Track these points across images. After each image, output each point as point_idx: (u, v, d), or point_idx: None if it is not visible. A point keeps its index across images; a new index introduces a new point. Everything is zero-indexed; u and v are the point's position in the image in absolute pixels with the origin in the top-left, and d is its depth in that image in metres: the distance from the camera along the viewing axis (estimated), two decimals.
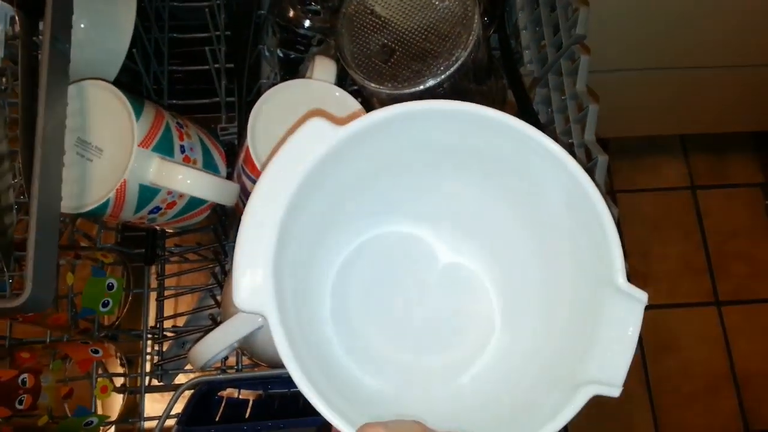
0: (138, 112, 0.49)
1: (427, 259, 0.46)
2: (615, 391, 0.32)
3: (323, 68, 0.55)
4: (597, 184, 0.34)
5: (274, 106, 0.52)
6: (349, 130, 0.35)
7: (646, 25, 0.90)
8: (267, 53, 0.66)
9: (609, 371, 0.32)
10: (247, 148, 0.49)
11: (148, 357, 0.59)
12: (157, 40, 0.71)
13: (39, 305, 0.42)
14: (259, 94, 0.68)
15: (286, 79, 0.68)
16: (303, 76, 0.63)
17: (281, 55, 0.67)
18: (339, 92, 0.54)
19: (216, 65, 0.67)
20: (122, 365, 0.56)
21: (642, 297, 0.34)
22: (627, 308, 0.34)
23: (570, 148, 0.52)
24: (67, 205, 0.47)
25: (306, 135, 0.35)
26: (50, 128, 0.45)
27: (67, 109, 0.49)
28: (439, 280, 0.46)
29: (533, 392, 0.37)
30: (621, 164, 1.44)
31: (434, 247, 0.47)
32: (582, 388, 0.32)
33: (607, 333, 0.34)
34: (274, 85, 0.67)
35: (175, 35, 0.72)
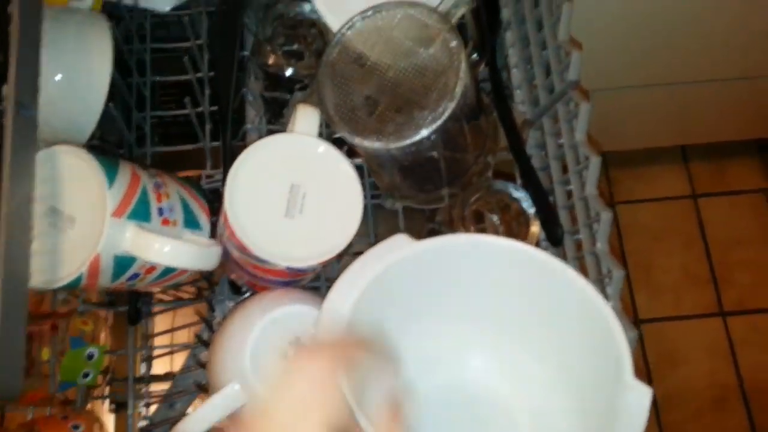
0: (112, 178, 0.47)
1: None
2: None
3: (306, 119, 0.52)
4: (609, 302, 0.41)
5: (252, 168, 0.49)
6: (423, 245, 0.45)
7: (642, 43, 0.88)
8: (251, 97, 0.64)
9: None
10: (226, 214, 0.47)
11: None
12: (138, 85, 0.68)
13: (5, 393, 0.40)
14: (244, 139, 0.66)
15: (272, 123, 0.66)
16: (288, 120, 0.61)
17: (266, 98, 0.65)
18: (323, 147, 0.51)
19: (199, 109, 0.65)
20: None
21: (647, 391, 0.39)
22: (636, 396, 0.39)
23: (568, 199, 0.50)
24: (38, 279, 0.45)
25: (391, 243, 0.45)
26: (16, 203, 0.43)
27: (38, 177, 0.47)
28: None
29: None
30: (621, 175, 1.42)
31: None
32: None
33: (621, 413, 0.39)
34: (259, 129, 0.65)
35: (157, 79, 0.70)
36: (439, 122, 0.47)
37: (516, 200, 0.54)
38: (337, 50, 0.51)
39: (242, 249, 0.47)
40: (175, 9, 0.71)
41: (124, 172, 0.49)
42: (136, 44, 0.70)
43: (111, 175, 0.47)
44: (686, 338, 1.34)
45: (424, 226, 0.63)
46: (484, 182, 0.56)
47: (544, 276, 0.44)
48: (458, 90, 0.47)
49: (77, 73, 0.57)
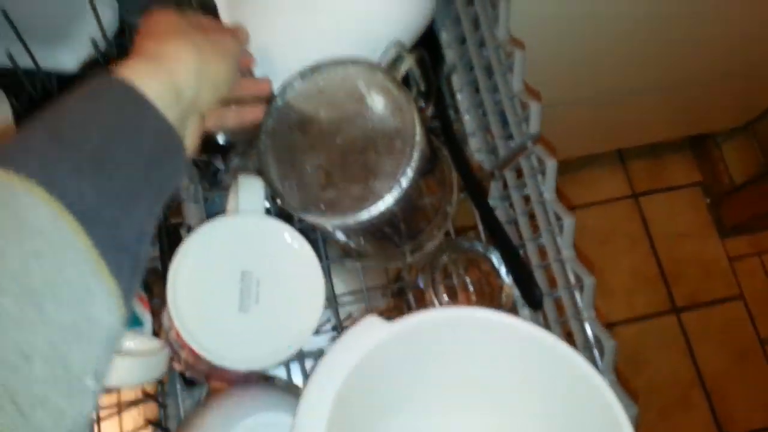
0: None
1: None
2: None
3: (250, 194, 0.47)
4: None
5: (197, 258, 0.43)
6: (399, 327, 0.40)
7: (574, 61, 0.87)
8: None
9: None
10: (172, 318, 0.41)
11: None
12: None
13: None
14: (179, 213, 0.60)
15: (208, 190, 0.60)
16: (226, 186, 0.56)
17: (198, 162, 0.59)
18: (273, 225, 0.46)
19: None
20: None
21: None
22: None
23: (542, 258, 0.47)
24: None
25: (362, 329, 0.40)
26: None
27: None
28: None
29: None
30: (562, 181, 1.41)
31: None
32: None
33: None
34: (195, 197, 0.59)
35: None
36: (399, 191, 0.43)
37: (485, 258, 0.51)
38: (276, 117, 0.46)
39: (194, 353, 0.42)
40: (85, 66, 0.64)
41: None
42: None
43: None
44: (644, 339, 1.34)
45: (389, 286, 0.59)
46: (450, 242, 0.52)
47: (535, 350, 0.40)
48: (416, 154, 0.43)
49: None
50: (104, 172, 0.29)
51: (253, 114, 0.46)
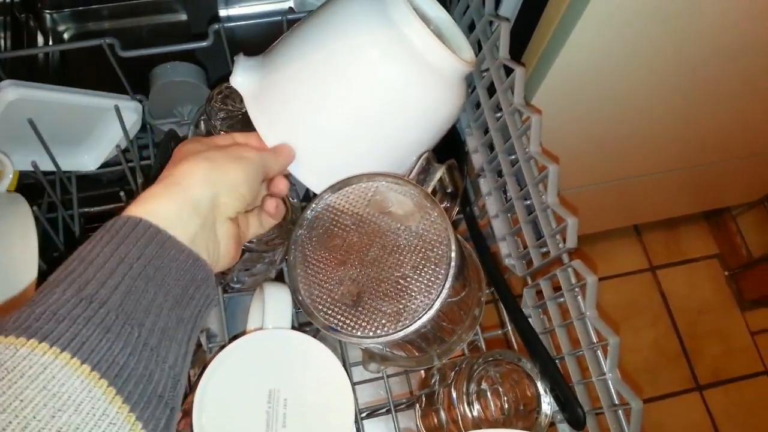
0: None
1: None
2: None
3: (278, 309, 0.45)
4: None
5: (223, 378, 0.42)
6: None
7: (594, 150, 0.87)
8: None
9: None
10: None
11: None
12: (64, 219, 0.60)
13: None
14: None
15: (227, 292, 0.59)
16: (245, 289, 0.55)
17: None
18: (299, 340, 0.44)
19: None
20: None
21: None
22: None
23: (585, 375, 0.44)
24: None
25: None
26: None
27: None
28: None
29: None
30: (578, 255, 1.40)
31: None
32: None
33: None
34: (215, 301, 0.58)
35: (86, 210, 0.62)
36: (436, 308, 0.42)
37: (520, 369, 0.48)
38: (306, 229, 0.45)
39: None
40: (102, 166, 0.63)
41: None
42: (62, 212, 0.62)
43: None
44: (669, 419, 1.30)
45: (419, 397, 0.57)
46: (488, 354, 0.50)
47: None
48: (452, 272, 0.42)
49: None
50: (134, 325, 0.29)
51: (269, 221, 0.45)
